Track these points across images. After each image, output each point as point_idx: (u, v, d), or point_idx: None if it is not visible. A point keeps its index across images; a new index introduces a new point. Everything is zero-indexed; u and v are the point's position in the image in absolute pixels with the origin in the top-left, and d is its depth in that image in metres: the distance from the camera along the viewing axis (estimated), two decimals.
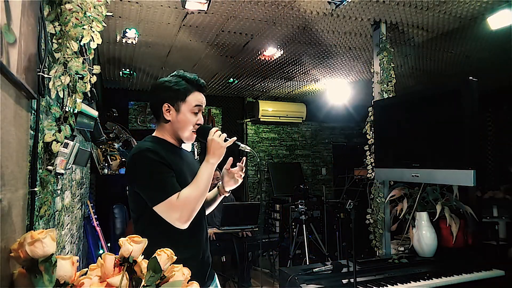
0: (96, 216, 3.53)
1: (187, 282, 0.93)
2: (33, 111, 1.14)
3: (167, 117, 1.44)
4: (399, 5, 2.77)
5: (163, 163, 1.33)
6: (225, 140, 1.41)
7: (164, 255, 0.89)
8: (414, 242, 2.69)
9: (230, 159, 1.56)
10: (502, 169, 5.57)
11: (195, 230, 1.43)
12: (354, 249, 1.96)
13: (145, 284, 0.86)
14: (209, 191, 1.54)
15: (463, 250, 2.79)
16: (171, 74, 1.50)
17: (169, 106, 1.43)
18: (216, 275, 1.58)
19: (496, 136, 5.81)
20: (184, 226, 1.30)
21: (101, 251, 3.46)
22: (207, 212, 1.64)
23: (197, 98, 1.46)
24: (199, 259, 1.43)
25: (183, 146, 1.56)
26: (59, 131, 1.29)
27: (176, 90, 1.43)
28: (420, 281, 2.24)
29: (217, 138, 1.39)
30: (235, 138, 1.44)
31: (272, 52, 3.81)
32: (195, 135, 1.47)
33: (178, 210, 1.27)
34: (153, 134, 1.49)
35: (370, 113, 3.00)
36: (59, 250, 1.87)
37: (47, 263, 0.77)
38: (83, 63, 1.33)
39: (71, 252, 2.34)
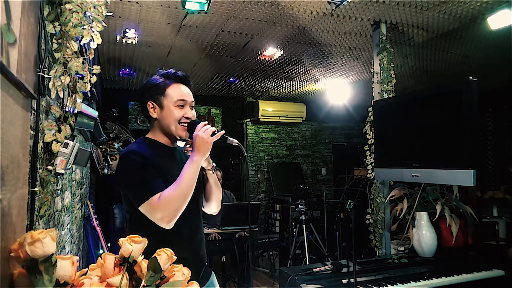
0: (96, 216, 3.52)
1: (187, 282, 0.93)
2: (33, 111, 1.14)
3: (153, 115, 1.45)
4: (399, 5, 2.76)
5: (147, 164, 1.32)
6: (213, 135, 1.34)
7: (164, 255, 0.89)
8: (414, 242, 2.69)
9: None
10: (502, 169, 5.57)
11: (185, 229, 1.42)
12: (354, 249, 1.96)
13: (145, 284, 0.86)
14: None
15: (463, 250, 2.79)
16: None
17: (152, 104, 1.44)
18: (213, 274, 1.57)
19: (496, 136, 5.81)
20: (168, 226, 1.28)
21: (101, 251, 3.45)
22: (209, 210, 1.62)
23: (179, 91, 1.44)
24: (191, 258, 1.40)
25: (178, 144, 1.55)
26: (59, 131, 1.29)
27: (155, 85, 1.44)
28: (420, 281, 2.24)
29: (202, 133, 1.33)
30: (223, 132, 1.37)
31: (272, 52, 3.81)
32: (186, 130, 1.43)
33: (160, 210, 1.26)
34: (146, 135, 1.49)
35: (370, 113, 3.00)
36: (59, 250, 1.87)
37: (47, 263, 0.77)
38: (83, 63, 1.32)
39: (71, 252, 2.33)
